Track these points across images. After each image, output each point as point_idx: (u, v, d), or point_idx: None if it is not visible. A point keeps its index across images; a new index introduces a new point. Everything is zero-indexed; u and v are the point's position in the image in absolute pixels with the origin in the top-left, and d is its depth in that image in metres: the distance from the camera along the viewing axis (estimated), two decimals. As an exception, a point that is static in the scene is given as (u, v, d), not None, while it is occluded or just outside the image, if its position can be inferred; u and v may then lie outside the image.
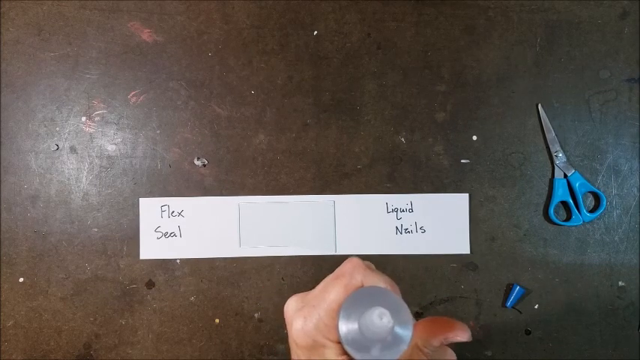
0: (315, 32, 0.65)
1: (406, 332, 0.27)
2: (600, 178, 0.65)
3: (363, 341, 0.27)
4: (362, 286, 0.29)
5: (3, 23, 0.65)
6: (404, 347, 0.27)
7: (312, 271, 0.64)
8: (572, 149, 0.65)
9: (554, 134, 0.64)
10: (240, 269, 0.65)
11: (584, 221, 0.64)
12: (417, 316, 0.65)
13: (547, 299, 0.65)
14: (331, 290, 0.30)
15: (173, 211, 0.65)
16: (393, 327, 0.27)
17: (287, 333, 0.31)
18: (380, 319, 0.26)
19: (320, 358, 0.29)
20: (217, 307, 0.65)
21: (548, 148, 0.65)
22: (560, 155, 0.64)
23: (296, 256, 0.64)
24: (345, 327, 0.27)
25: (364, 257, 0.67)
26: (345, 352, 0.29)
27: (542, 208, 0.65)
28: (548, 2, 0.65)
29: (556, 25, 0.65)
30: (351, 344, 0.27)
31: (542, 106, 0.65)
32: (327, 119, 0.65)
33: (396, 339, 0.27)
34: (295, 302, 0.31)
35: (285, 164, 0.65)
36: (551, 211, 0.64)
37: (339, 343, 0.29)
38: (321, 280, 0.31)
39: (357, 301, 0.28)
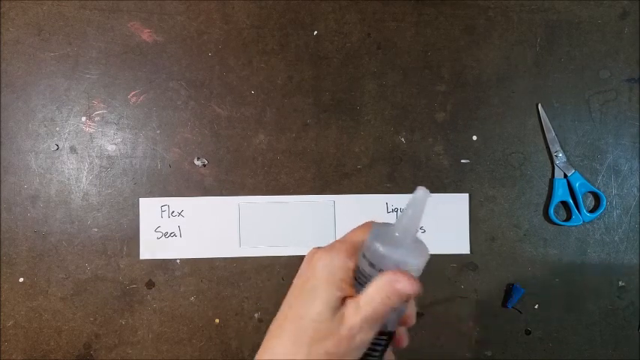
0: (315, 32, 0.65)
1: (424, 251, 0.31)
2: (600, 178, 0.65)
3: (392, 243, 0.30)
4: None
5: (3, 23, 0.65)
6: (425, 259, 0.31)
7: (312, 271, 0.64)
8: (572, 149, 0.65)
9: (554, 134, 0.64)
10: (240, 269, 0.65)
11: (584, 221, 0.64)
12: (418, 316, 0.65)
13: (547, 299, 0.65)
14: (355, 231, 0.33)
15: (173, 211, 0.65)
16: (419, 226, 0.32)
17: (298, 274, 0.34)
18: (424, 192, 0.30)
19: (334, 289, 0.31)
20: (217, 307, 0.65)
21: (548, 148, 0.65)
22: (560, 155, 0.64)
23: (296, 256, 0.64)
24: (376, 236, 0.31)
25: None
26: (357, 292, 0.31)
27: (542, 208, 0.65)
28: (548, 2, 0.65)
29: (556, 25, 0.65)
30: (380, 242, 0.30)
31: (542, 106, 0.65)
32: (327, 119, 0.65)
33: (417, 249, 0.31)
34: (317, 248, 0.33)
35: (285, 164, 0.65)
36: (551, 211, 0.64)
37: (357, 279, 0.31)
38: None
39: (385, 225, 0.32)
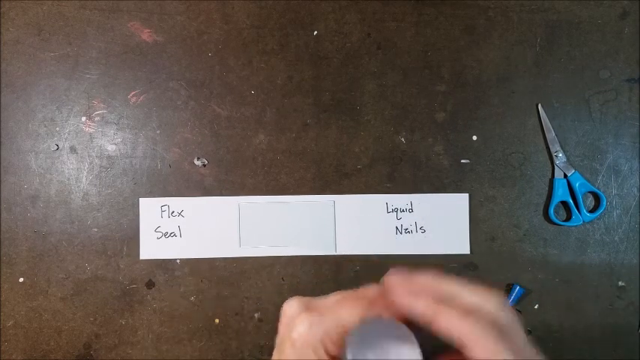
0: (315, 32, 0.65)
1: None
2: (600, 178, 0.65)
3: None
4: (380, 317, 0.28)
5: (3, 23, 0.65)
6: None
7: (312, 271, 0.64)
8: (572, 149, 0.65)
9: (554, 134, 0.64)
10: (240, 269, 0.65)
11: (584, 221, 0.64)
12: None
13: (547, 299, 0.65)
14: (347, 307, 0.28)
15: (173, 211, 0.65)
16: None
17: (278, 330, 0.31)
18: (409, 353, 0.26)
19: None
20: (217, 307, 0.65)
21: (548, 148, 0.65)
22: (560, 155, 0.64)
23: (296, 256, 0.64)
24: (356, 351, 0.26)
25: (364, 257, 0.68)
26: None
27: (542, 208, 0.65)
28: (548, 2, 0.65)
29: (556, 25, 0.65)
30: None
31: (542, 106, 0.65)
32: (327, 119, 0.65)
33: None
34: (299, 304, 0.29)
35: (285, 164, 0.65)
36: (551, 211, 0.64)
37: None
38: (320, 283, 0.31)
39: (374, 330, 0.27)
